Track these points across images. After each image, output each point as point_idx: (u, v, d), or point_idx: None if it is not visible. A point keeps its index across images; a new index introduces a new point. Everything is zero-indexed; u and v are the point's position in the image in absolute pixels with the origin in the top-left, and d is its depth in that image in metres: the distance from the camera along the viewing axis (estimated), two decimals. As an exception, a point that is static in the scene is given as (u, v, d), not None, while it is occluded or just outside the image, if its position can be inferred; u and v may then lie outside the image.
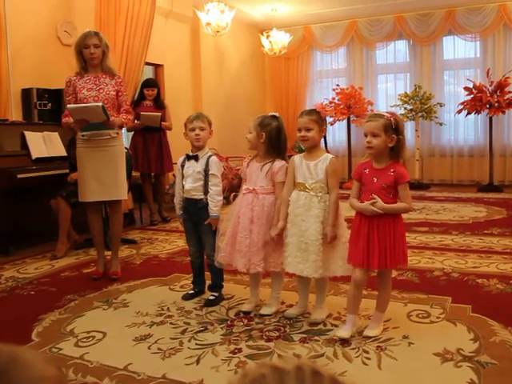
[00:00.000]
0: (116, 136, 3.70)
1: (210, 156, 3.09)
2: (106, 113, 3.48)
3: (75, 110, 3.51)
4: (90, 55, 3.60)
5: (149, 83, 5.96)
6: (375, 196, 2.45)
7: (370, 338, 2.48)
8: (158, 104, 5.93)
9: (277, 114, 2.91)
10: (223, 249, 2.88)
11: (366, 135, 2.48)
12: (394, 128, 2.42)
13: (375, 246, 2.43)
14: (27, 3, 5.42)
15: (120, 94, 3.72)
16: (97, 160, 3.63)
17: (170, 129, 5.97)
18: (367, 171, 2.53)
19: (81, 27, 5.85)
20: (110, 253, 3.89)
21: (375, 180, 2.48)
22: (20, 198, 4.64)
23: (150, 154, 5.83)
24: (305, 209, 2.63)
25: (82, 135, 3.64)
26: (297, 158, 2.75)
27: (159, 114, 5.74)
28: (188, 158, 3.12)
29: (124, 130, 6.06)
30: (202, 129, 3.06)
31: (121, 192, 3.76)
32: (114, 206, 3.82)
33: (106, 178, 3.65)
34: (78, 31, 5.78)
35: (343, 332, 2.50)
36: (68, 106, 3.57)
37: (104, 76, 3.69)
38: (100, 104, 3.47)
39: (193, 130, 3.06)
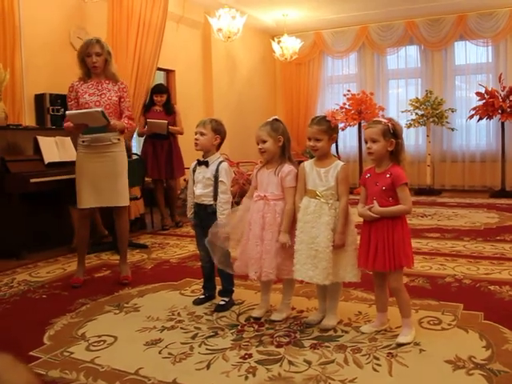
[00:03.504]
0: (117, 142, 3.67)
1: (220, 162, 3.09)
2: (106, 117, 3.47)
3: (74, 116, 3.50)
4: (92, 64, 3.60)
5: (158, 89, 5.94)
6: (374, 201, 2.51)
7: (403, 344, 2.46)
8: (168, 110, 5.92)
9: (277, 117, 2.93)
10: (238, 257, 2.88)
11: (366, 141, 2.56)
12: (392, 133, 2.49)
13: (373, 248, 2.51)
14: (41, 10, 5.48)
15: (122, 100, 3.71)
16: (96, 166, 3.61)
17: (181, 133, 5.98)
18: (369, 176, 2.61)
19: (93, 33, 5.89)
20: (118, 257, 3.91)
21: (376, 184, 2.54)
22: (33, 202, 4.67)
23: (159, 159, 5.83)
24: (315, 216, 2.63)
25: (83, 141, 3.62)
26: (307, 165, 2.75)
27: (166, 121, 5.71)
28: (199, 163, 3.13)
29: (135, 135, 6.10)
30: (202, 134, 3.07)
31: (122, 198, 3.71)
32: (118, 211, 3.78)
33: (105, 184, 3.62)
34: (90, 37, 5.84)
35: (367, 328, 2.66)
36: (67, 112, 3.56)
37: (107, 82, 3.68)
38: (99, 109, 3.46)
39: (195, 134, 3.10)
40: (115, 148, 3.67)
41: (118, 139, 3.69)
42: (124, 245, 3.87)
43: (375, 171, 2.58)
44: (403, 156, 2.55)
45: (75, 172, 3.74)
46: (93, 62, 3.60)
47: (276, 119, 2.89)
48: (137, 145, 7.38)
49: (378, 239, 2.50)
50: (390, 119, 2.57)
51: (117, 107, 3.69)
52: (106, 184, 3.63)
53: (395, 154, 2.53)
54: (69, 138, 5.06)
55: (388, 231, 2.48)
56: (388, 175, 2.50)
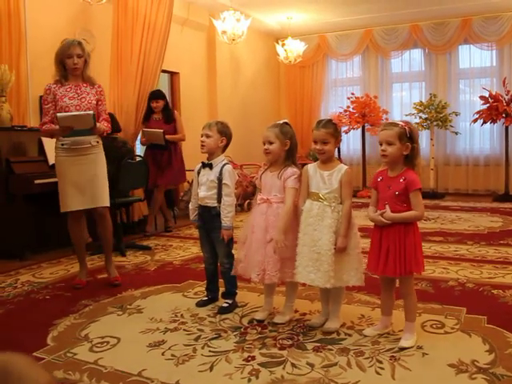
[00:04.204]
0: (96, 144, 3.66)
1: (224, 164, 3.09)
2: (95, 120, 3.50)
3: (65, 119, 3.47)
4: (73, 65, 3.56)
5: (155, 95, 5.75)
6: (387, 206, 2.48)
7: (406, 349, 2.46)
8: (168, 118, 5.75)
9: (287, 121, 2.93)
10: (243, 259, 2.88)
11: (380, 144, 2.52)
12: (408, 136, 2.46)
13: (383, 254, 2.49)
14: (46, 11, 5.50)
15: (100, 103, 3.70)
16: (77, 168, 3.59)
17: (182, 140, 5.88)
18: (381, 179, 2.57)
19: (99, 35, 5.95)
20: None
21: (389, 188, 2.51)
22: (36, 203, 4.69)
23: (160, 167, 5.71)
24: (318, 218, 2.64)
25: (62, 144, 3.59)
26: (311, 168, 2.75)
27: (161, 130, 5.54)
28: (203, 165, 3.14)
29: (138, 143, 6.06)
30: (207, 136, 3.07)
31: (103, 199, 3.70)
32: (101, 212, 3.74)
33: (87, 186, 3.62)
34: (95, 39, 5.88)
35: (370, 331, 2.66)
36: (57, 114, 3.50)
37: (85, 85, 3.66)
38: (91, 112, 3.48)
39: (201, 136, 3.10)
40: (95, 150, 3.66)
41: (97, 142, 3.68)
42: (109, 246, 3.84)
43: (388, 175, 2.55)
44: (418, 161, 2.53)
45: (57, 176, 3.69)
46: (74, 63, 3.56)
47: (286, 123, 2.89)
48: (140, 147, 7.38)
49: (389, 244, 2.48)
50: (407, 122, 2.54)
51: (95, 110, 3.65)
52: (88, 185, 3.63)
53: (410, 158, 2.50)
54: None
55: (400, 237, 2.46)
56: (402, 179, 2.47)
